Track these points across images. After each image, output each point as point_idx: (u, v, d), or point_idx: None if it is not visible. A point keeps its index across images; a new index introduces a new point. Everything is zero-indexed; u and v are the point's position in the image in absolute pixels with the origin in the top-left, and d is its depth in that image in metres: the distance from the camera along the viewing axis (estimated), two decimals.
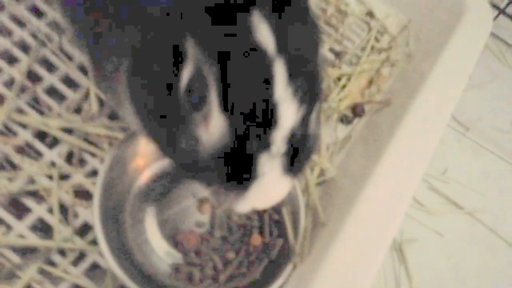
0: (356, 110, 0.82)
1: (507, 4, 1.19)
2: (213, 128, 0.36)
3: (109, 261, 0.50)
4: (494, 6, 1.17)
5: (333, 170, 0.72)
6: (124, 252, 0.53)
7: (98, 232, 0.51)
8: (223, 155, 0.36)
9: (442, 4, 0.98)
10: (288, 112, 0.35)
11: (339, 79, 0.86)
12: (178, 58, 0.37)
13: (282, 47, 0.34)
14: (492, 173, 0.94)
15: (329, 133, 0.79)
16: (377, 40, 0.97)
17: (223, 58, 0.34)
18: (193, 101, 0.36)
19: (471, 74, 0.92)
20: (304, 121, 0.38)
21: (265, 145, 0.36)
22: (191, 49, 0.36)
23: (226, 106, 0.35)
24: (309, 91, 0.37)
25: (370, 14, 1.01)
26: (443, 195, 0.86)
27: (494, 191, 0.91)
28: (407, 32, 1.01)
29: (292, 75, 0.35)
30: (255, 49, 0.34)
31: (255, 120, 0.35)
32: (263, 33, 0.34)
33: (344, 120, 0.82)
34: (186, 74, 0.36)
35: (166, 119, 0.40)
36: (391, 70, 0.93)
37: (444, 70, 0.81)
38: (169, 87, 0.38)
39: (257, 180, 0.37)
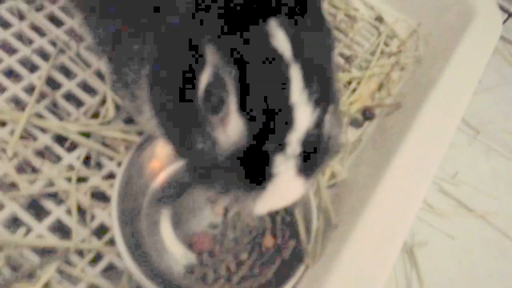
0: (367, 114, 0.83)
1: None
2: (231, 130, 0.37)
3: (127, 261, 0.51)
4: (503, 10, 1.17)
5: (344, 172, 0.73)
6: (140, 253, 0.55)
7: (116, 232, 0.53)
8: (240, 156, 0.38)
9: (451, 8, 0.98)
10: (303, 114, 0.37)
11: (349, 83, 0.87)
12: (197, 63, 0.38)
13: (298, 53, 0.36)
14: (503, 176, 0.94)
15: (342, 139, 0.79)
16: (386, 44, 0.98)
17: (241, 63, 0.36)
18: (212, 104, 0.38)
19: (481, 77, 0.92)
20: (319, 124, 0.39)
21: (281, 147, 0.37)
22: (210, 54, 0.37)
23: (244, 108, 0.36)
24: (324, 94, 0.38)
25: (379, 18, 1.02)
26: (454, 198, 0.86)
27: (506, 194, 0.91)
28: (416, 36, 1.02)
29: (307, 80, 0.36)
30: (272, 54, 0.36)
31: (271, 122, 0.36)
32: (280, 39, 0.36)
33: (355, 123, 0.83)
34: (205, 78, 0.38)
35: (185, 122, 0.41)
36: (401, 74, 0.94)
37: (453, 74, 0.81)
38: (189, 91, 0.39)
39: (273, 181, 0.38)
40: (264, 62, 0.36)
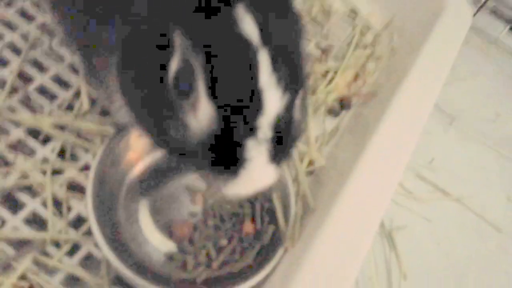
0: (343, 103, 0.84)
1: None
2: (201, 115, 0.37)
3: (104, 250, 0.51)
4: (475, 2, 1.21)
5: (322, 159, 0.74)
6: (118, 242, 0.54)
7: (92, 222, 0.52)
8: (211, 141, 0.37)
9: (423, 1, 1.01)
10: (272, 98, 0.37)
11: (326, 73, 0.88)
12: (166, 49, 0.38)
13: (266, 38, 0.36)
14: (478, 161, 0.96)
15: (317, 125, 0.81)
16: (362, 34, 1.00)
17: (209, 48, 0.36)
18: (181, 89, 0.38)
19: (455, 67, 0.94)
20: (289, 108, 0.39)
21: (252, 131, 0.37)
22: (178, 40, 0.37)
23: (213, 93, 0.36)
24: (293, 78, 0.38)
25: (354, 11, 1.04)
26: (431, 183, 0.88)
27: (480, 178, 0.93)
28: (391, 28, 1.04)
29: (276, 64, 0.37)
30: (240, 39, 0.36)
31: (241, 107, 0.36)
32: (248, 24, 0.36)
33: (332, 112, 0.84)
34: (174, 64, 0.38)
35: (156, 109, 0.41)
36: (376, 64, 0.95)
37: (426, 63, 0.83)
38: (158, 77, 0.39)
39: (245, 165, 0.38)
40: (231, 47, 0.36)
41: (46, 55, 0.69)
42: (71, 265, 0.55)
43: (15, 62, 0.67)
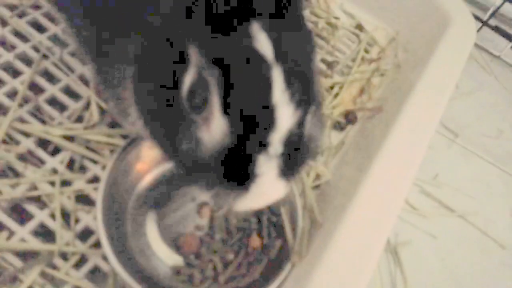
0: (349, 117, 0.85)
1: (490, 17, 1.24)
2: (214, 130, 0.38)
3: (113, 262, 0.51)
4: (477, 19, 1.22)
5: (328, 173, 0.74)
6: (126, 255, 0.54)
7: (102, 235, 0.52)
8: (223, 156, 0.38)
9: (428, 17, 1.02)
10: (285, 115, 0.37)
11: (331, 88, 0.89)
12: (181, 63, 0.39)
13: (279, 55, 0.37)
14: (481, 177, 0.97)
15: (323, 139, 0.81)
16: (366, 51, 1.01)
17: (223, 64, 0.36)
18: (195, 104, 0.38)
19: (458, 83, 0.95)
20: (301, 124, 0.40)
21: (263, 146, 0.37)
22: (194, 55, 0.38)
23: (227, 109, 0.37)
24: (305, 95, 0.39)
25: (360, 27, 1.05)
26: (435, 199, 0.88)
27: (484, 195, 0.94)
28: (395, 43, 1.05)
29: (289, 81, 0.37)
30: (254, 56, 0.36)
31: (254, 123, 0.37)
32: (262, 41, 0.37)
33: (338, 126, 0.85)
34: (188, 78, 0.38)
35: (170, 122, 0.42)
36: (381, 79, 0.96)
37: (431, 79, 0.84)
38: (173, 91, 0.40)
39: (255, 180, 0.38)
40: (246, 63, 0.36)
41: (56, 66, 0.70)
42: (78, 277, 0.54)
43: (26, 73, 0.67)
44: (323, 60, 0.94)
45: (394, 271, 0.75)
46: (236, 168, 0.38)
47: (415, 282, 0.74)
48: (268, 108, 0.37)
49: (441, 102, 0.81)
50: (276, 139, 0.38)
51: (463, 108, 1.10)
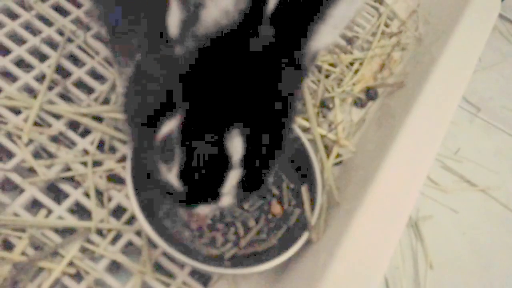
0: (370, 93, 0.85)
1: None
2: (171, 179, 0.43)
3: (147, 229, 0.54)
4: None
5: (352, 146, 0.75)
6: (155, 220, 0.57)
7: (135, 207, 0.55)
8: (181, 198, 0.45)
9: None
10: (226, 200, 0.44)
11: (351, 64, 0.88)
12: (168, 108, 0.41)
13: (245, 162, 0.41)
14: (504, 151, 0.96)
15: (344, 116, 0.81)
16: (386, 25, 0.99)
17: (190, 150, 0.40)
18: (164, 153, 0.42)
19: (480, 55, 0.93)
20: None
21: (206, 203, 0.45)
22: (175, 120, 0.41)
23: (182, 179, 0.42)
24: (250, 190, 0.46)
25: (379, 0, 1.03)
26: (457, 173, 0.88)
27: (506, 169, 0.93)
28: (416, 16, 1.03)
29: (241, 185, 0.43)
30: (221, 154, 0.40)
31: (201, 196, 0.44)
32: (234, 146, 0.40)
33: (358, 103, 0.85)
34: (164, 129, 0.41)
35: (145, 144, 0.45)
36: (402, 53, 0.95)
37: (454, 52, 0.82)
38: (153, 123, 0.43)
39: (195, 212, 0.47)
40: (210, 158, 0.40)
41: (81, 49, 0.71)
42: (114, 252, 0.57)
43: (53, 57, 0.69)
44: (342, 36, 0.93)
45: (415, 246, 0.77)
46: (183, 202, 0.45)
47: (436, 257, 0.75)
48: (215, 193, 0.43)
49: (464, 76, 0.80)
50: (216, 205, 0.45)
51: (485, 81, 1.08)
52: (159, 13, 0.43)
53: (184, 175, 0.42)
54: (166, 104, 0.41)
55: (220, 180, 0.42)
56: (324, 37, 0.43)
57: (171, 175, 0.43)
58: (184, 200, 0.45)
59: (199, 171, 0.41)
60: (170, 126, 0.41)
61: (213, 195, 0.44)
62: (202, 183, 0.42)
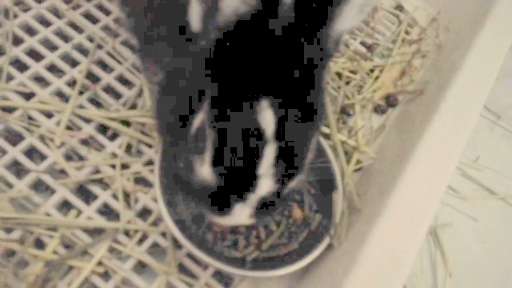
0: (390, 100, 0.85)
1: None
2: (205, 172, 0.43)
3: (173, 230, 0.56)
4: None
5: (372, 152, 0.76)
6: (180, 222, 0.59)
7: (163, 208, 0.57)
8: (209, 193, 0.44)
9: None
10: (265, 185, 0.43)
11: (372, 71, 0.89)
12: (197, 101, 0.43)
13: (278, 134, 0.41)
14: None
15: (364, 122, 0.82)
16: (407, 32, 1.00)
17: (223, 131, 0.41)
18: (196, 145, 0.43)
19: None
20: (279, 192, 0.45)
21: (241, 200, 0.43)
22: (204, 108, 0.42)
23: (216, 166, 0.42)
24: (290, 172, 0.44)
25: (399, 7, 1.04)
26: (476, 181, 0.88)
27: None
28: (437, 23, 1.03)
29: (279, 158, 0.42)
30: (254, 130, 0.40)
31: (237, 184, 0.43)
32: (266, 118, 0.40)
33: (378, 110, 0.85)
34: (197, 121, 0.42)
35: (176, 139, 0.47)
36: (422, 61, 0.95)
37: (475, 60, 0.82)
38: (185, 117, 0.44)
39: (229, 215, 0.45)
40: (244, 135, 0.40)
41: (110, 55, 0.74)
42: (140, 252, 0.59)
43: (83, 62, 0.71)
44: (363, 43, 0.94)
45: (434, 253, 0.77)
46: (216, 205, 0.45)
47: (455, 264, 0.76)
48: (252, 176, 0.42)
49: (485, 85, 0.80)
50: (253, 198, 0.43)
51: (505, 89, 1.07)
52: (179, 14, 0.45)
53: (217, 160, 0.41)
54: (197, 98, 0.42)
55: (255, 158, 0.41)
56: (348, 19, 0.44)
57: (205, 168, 0.42)
58: (218, 199, 0.44)
59: (233, 150, 0.40)
60: (201, 117, 0.42)
61: (250, 180, 0.42)
62: (237, 166, 0.41)
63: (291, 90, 0.41)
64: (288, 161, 0.43)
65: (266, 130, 0.40)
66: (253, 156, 0.41)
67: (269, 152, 0.41)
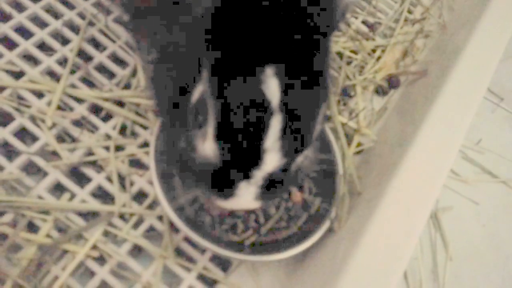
0: (392, 81, 0.83)
1: None
2: (206, 148, 0.40)
3: (169, 214, 0.55)
4: None
5: (373, 135, 0.74)
6: (177, 206, 0.57)
7: (158, 192, 0.55)
8: (211, 171, 0.41)
9: None
10: (271, 160, 0.39)
11: (373, 51, 0.87)
12: (197, 71, 0.40)
13: (284, 104, 0.38)
14: None
15: (365, 104, 0.80)
16: (409, 11, 0.97)
17: (226, 101, 0.38)
18: (197, 118, 0.41)
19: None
20: (286, 168, 0.42)
21: (246, 177, 0.40)
22: (204, 76, 0.39)
23: (219, 139, 0.39)
24: (297, 145, 0.41)
25: None
26: (478, 164, 0.87)
27: None
28: (440, 3, 1.00)
29: (285, 131, 0.38)
30: (259, 100, 0.37)
31: (242, 159, 0.39)
32: (271, 87, 0.37)
33: (380, 91, 0.83)
34: (196, 94, 0.40)
35: (175, 116, 0.44)
36: (425, 41, 0.93)
37: (479, 41, 0.80)
38: (184, 94, 0.42)
39: (233, 196, 0.42)
40: (248, 105, 0.37)
41: (102, 33, 0.71)
42: (136, 236, 0.58)
43: (74, 40, 0.68)
44: (364, 22, 0.91)
45: (435, 237, 0.76)
46: (219, 184, 0.42)
47: (455, 248, 0.75)
48: (257, 150, 0.39)
49: (489, 66, 0.78)
50: (259, 175, 0.40)
51: (508, 71, 1.05)
52: None
53: (220, 132, 0.39)
54: (195, 70, 0.40)
55: (261, 131, 0.38)
56: None
57: (207, 143, 0.40)
58: (221, 178, 0.41)
59: (236, 122, 0.38)
60: (201, 88, 0.39)
61: (255, 154, 0.39)
62: (241, 139, 0.38)
63: (297, 58, 0.39)
64: (295, 133, 0.40)
65: (271, 101, 0.37)
66: (258, 129, 0.38)
67: (275, 124, 0.38)
